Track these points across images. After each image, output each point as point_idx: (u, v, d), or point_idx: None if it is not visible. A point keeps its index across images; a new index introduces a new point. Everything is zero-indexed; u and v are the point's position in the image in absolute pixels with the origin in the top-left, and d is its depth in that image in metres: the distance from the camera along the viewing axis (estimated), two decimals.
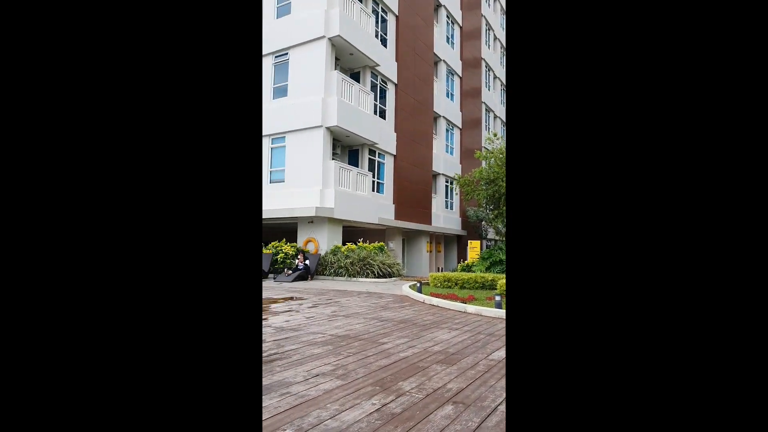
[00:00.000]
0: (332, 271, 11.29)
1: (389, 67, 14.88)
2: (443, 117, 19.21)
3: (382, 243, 12.18)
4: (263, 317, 4.87)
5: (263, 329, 4.11)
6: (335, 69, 12.82)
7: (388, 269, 11.19)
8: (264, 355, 3.09)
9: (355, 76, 14.17)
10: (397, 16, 15.54)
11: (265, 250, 11.91)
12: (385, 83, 15.03)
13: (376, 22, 14.63)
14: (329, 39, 12.30)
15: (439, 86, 19.08)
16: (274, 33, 13.24)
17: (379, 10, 14.82)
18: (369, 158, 14.12)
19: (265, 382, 2.43)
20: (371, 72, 14.23)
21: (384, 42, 15.04)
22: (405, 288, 7.99)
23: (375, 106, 14.31)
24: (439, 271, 17.36)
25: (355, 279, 10.81)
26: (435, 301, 6.30)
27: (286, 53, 13.08)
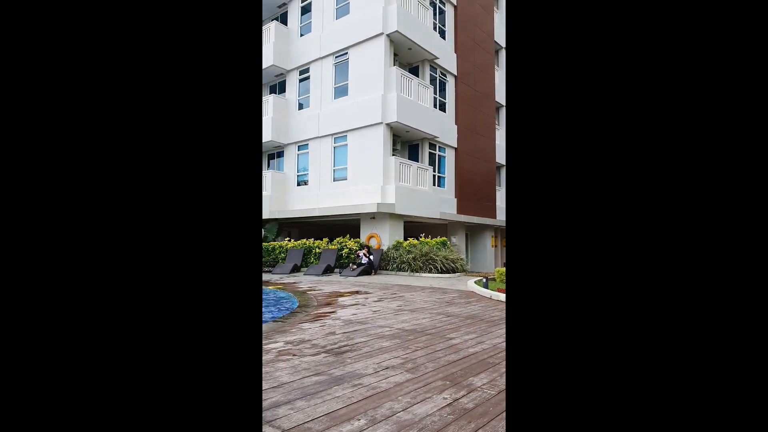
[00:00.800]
0: (395, 266, 11.38)
1: (448, 59, 14.63)
2: (506, 106, 18.53)
3: (444, 238, 12.06)
4: (332, 310, 5.03)
5: (333, 321, 4.24)
6: (394, 65, 12.85)
7: (452, 264, 11.05)
8: (335, 346, 3.19)
9: (414, 71, 14.10)
10: (455, 6, 15.21)
11: (330, 246, 12.30)
12: (445, 75, 14.80)
13: (434, 14, 14.43)
14: (387, 35, 12.34)
15: (501, 75, 18.41)
16: (333, 34, 13.56)
17: (437, 2, 14.60)
18: (429, 152, 14.02)
19: (337, 372, 2.50)
20: (430, 65, 14.08)
21: (442, 34, 14.80)
22: (470, 283, 7.85)
23: (435, 99, 14.15)
24: (505, 266, 16.82)
25: (418, 274, 10.81)
26: (502, 297, 6.11)
27: (346, 53, 13.34)
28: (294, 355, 2.92)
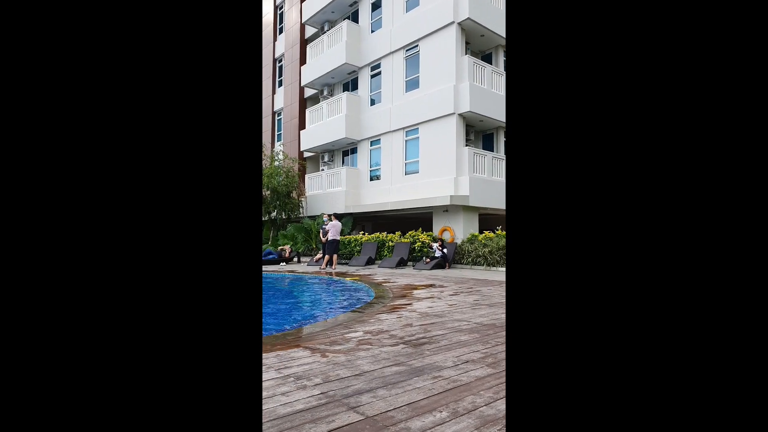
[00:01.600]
0: (469, 260, 11.14)
1: None
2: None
3: None
4: (407, 302, 5.06)
5: (409, 313, 4.27)
6: (466, 53, 12.51)
7: None
8: (413, 338, 3.20)
9: (487, 58, 13.62)
10: None
11: (403, 239, 12.38)
12: None
13: None
14: (458, 24, 12.04)
15: None
16: (404, 28, 13.53)
17: None
18: (505, 141, 13.47)
19: (416, 364, 2.51)
20: (504, 51, 13.49)
21: None
22: None
23: None
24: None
25: (494, 268, 10.49)
26: None
27: (416, 45, 13.25)
28: (373, 344, 2.99)
